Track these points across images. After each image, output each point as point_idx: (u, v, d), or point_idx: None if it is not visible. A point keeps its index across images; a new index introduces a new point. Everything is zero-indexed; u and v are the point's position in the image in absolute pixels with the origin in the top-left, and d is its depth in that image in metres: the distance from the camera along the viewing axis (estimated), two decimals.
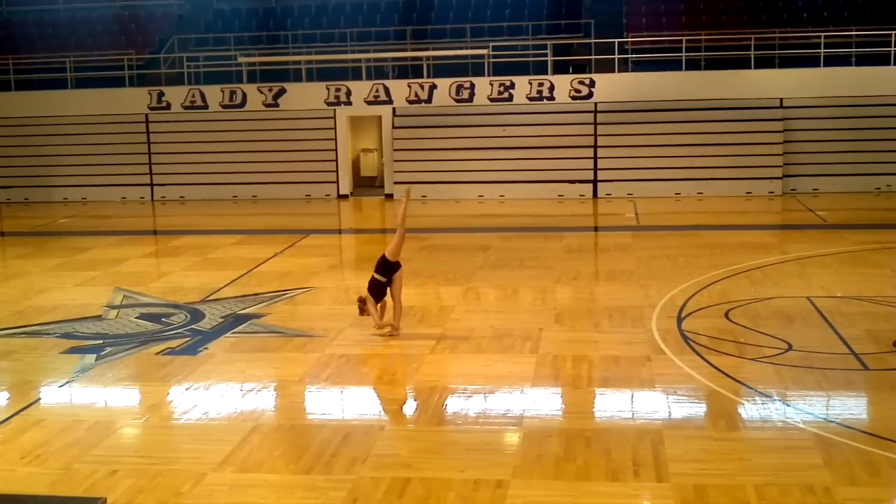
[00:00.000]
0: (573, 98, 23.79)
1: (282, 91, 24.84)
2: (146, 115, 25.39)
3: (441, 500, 6.80)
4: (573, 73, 24.41)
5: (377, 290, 11.04)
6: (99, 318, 12.46)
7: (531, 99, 23.93)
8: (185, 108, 25.22)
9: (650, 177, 23.15)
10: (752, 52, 23.32)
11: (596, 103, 23.70)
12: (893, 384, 9.16)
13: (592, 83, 23.73)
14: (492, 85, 24.03)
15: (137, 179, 25.51)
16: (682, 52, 23.66)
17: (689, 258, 15.25)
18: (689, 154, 23.10)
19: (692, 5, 25.95)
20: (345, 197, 24.72)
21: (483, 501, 6.77)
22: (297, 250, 17.27)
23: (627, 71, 24.27)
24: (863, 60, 23.25)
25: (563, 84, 23.81)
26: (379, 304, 11.12)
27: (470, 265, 15.11)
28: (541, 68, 24.40)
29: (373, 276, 11.03)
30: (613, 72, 24.01)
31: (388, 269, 10.96)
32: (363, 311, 11.11)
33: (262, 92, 24.87)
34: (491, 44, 24.51)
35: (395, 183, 24.15)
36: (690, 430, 8.09)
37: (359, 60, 25.08)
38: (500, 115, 23.92)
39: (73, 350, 10.95)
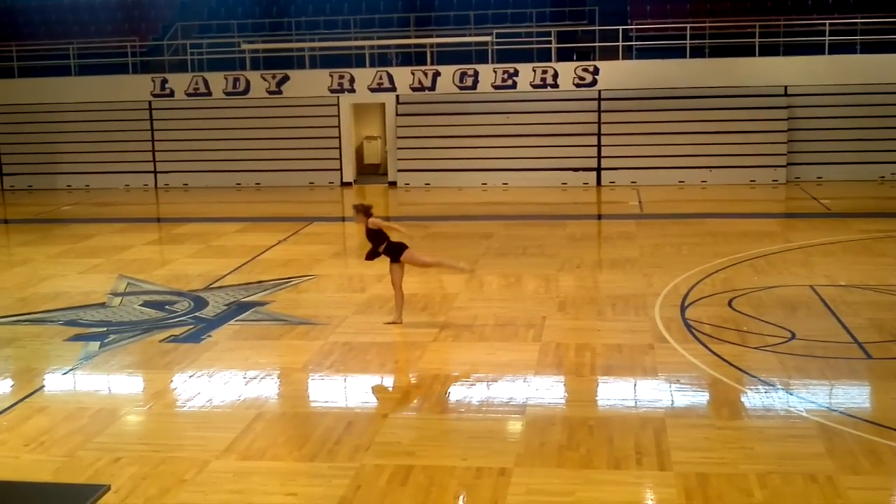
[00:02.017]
0: (577, 85, 23.75)
1: (285, 78, 24.81)
2: (149, 102, 25.39)
3: (444, 488, 6.81)
4: (577, 60, 24.36)
5: (374, 239, 10.94)
6: (103, 305, 12.48)
7: (535, 86, 23.88)
8: (189, 95, 25.21)
9: (654, 165, 23.13)
10: (756, 40, 23.26)
11: (600, 91, 23.65)
12: None
13: (596, 70, 23.68)
14: (495, 72, 23.99)
15: (141, 167, 25.53)
16: (686, 39, 23.60)
17: (692, 246, 15.23)
18: (693, 142, 23.08)
19: None
20: (348, 184, 24.72)
21: (486, 489, 6.78)
22: (301, 238, 17.28)
23: (632, 58, 24.22)
24: (868, 48, 23.17)
25: (567, 71, 23.77)
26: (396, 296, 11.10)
27: (473, 253, 15.10)
28: (545, 55, 24.35)
29: (389, 239, 10.93)
30: (618, 59, 23.95)
31: (393, 251, 10.93)
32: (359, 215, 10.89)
33: (265, 79, 24.84)
34: (495, 31, 24.46)
35: (399, 171, 24.16)
36: (693, 418, 8.10)
37: (362, 47, 25.04)
38: (503, 103, 23.89)
39: (76, 337, 10.97)
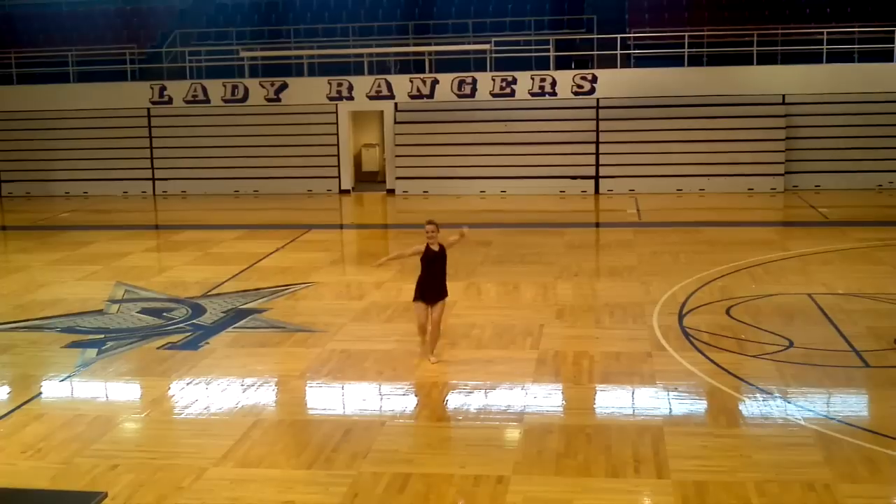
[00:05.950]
0: (575, 94, 23.77)
1: (284, 86, 24.83)
2: (148, 109, 25.40)
3: (442, 496, 6.80)
4: (575, 68, 24.39)
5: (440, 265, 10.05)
6: (100, 312, 12.47)
7: (533, 94, 23.91)
8: (187, 102, 25.23)
9: (652, 173, 23.14)
10: (754, 49, 23.31)
11: (598, 99, 23.68)
12: (894, 381, 9.16)
13: (594, 79, 23.71)
14: (494, 80, 24.01)
15: (139, 174, 25.53)
16: (684, 47, 23.64)
17: (690, 254, 15.24)
18: (691, 150, 23.09)
19: (694, 1, 25.90)
20: (346, 192, 24.72)
21: (484, 497, 6.78)
22: (299, 245, 17.27)
23: (630, 67, 24.24)
24: (865, 57, 23.21)
25: (566, 80, 23.80)
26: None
27: (471, 261, 15.09)
28: (543, 64, 24.38)
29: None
30: (616, 67, 23.98)
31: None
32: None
33: (263, 86, 24.86)
34: (493, 39, 24.47)
35: (397, 178, 24.17)
36: (691, 426, 8.10)
37: (361, 55, 25.06)
38: (502, 111, 23.91)
39: (74, 344, 10.95)
